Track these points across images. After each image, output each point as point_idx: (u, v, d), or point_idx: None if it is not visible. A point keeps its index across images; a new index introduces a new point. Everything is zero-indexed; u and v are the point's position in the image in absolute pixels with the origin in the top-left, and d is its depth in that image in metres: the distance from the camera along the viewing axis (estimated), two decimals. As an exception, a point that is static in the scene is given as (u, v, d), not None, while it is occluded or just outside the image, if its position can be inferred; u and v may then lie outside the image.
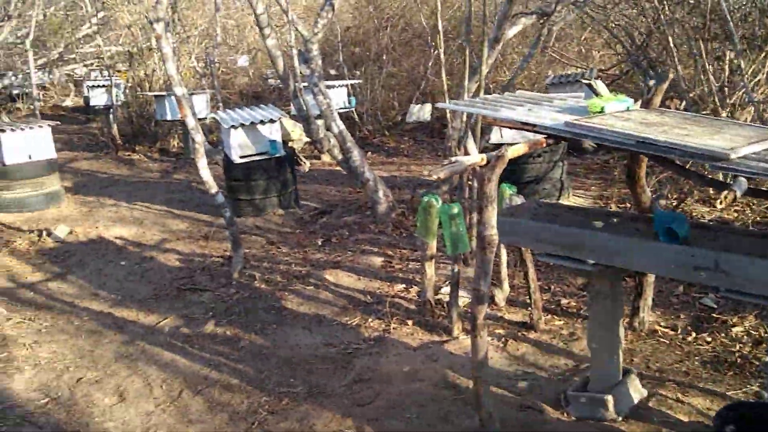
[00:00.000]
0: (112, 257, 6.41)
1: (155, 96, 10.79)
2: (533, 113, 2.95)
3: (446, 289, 4.69)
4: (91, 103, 13.58)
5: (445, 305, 4.49)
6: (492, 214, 2.83)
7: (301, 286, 5.18)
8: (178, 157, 11.15)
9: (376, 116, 10.91)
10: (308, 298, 4.96)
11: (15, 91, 18.32)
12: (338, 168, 9.68)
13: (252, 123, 6.89)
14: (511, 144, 2.93)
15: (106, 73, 15.76)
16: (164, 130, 11.87)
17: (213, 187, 5.03)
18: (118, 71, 13.97)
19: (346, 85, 9.79)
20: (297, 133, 7.47)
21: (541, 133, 2.93)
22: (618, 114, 2.84)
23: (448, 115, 5.15)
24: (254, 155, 7.08)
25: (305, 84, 6.65)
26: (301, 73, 6.53)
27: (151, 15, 4.46)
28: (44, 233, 6.90)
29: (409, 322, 4.36)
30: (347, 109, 9.84)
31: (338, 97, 9.77)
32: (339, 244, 6.21)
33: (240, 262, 5.38)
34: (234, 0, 15.00)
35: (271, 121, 6.96)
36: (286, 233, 6.79)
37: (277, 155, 7.04)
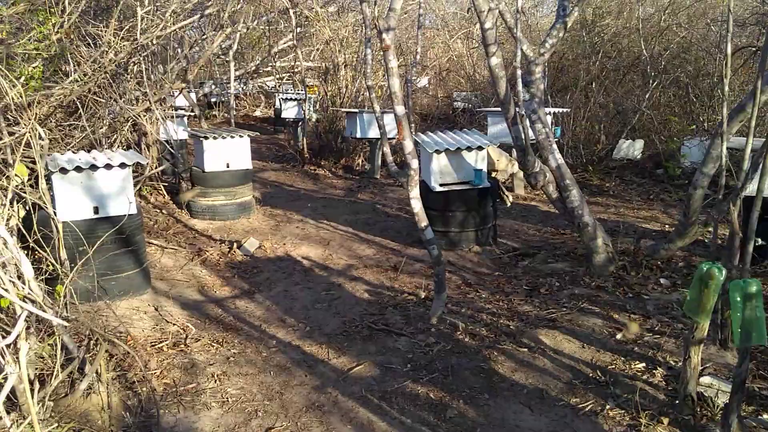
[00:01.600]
0: (299, 279, 6.05)
1: (347, 113, 10.62)
2: None
3: (706, 379, 3.70)
4: (283, 115, 13.84)
5: (709, 403, 3.51)
6: None
7: (512, 346, 4.41)
8: (361, 176, 10.89)
9: (578, 149, 9.93)
10: (523, 364, 4.18)
11: (213, 99, 19.43)
12: (534, 203, 8.86)
13: (458, 149, 6.27)
14: None
15: (296, 87, 16.15)
16: (350, 147, 11.70)
17: (423, 221, 4.43)
18: (309, 85, 14.16)
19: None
20: (503, 163, 6.78)
21: None
22: None
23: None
24: (455, 184, 6.45)
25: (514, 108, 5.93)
26: (517, 97, 5.81)
27: (381, 24, 4.00)
28: (234, 246, 6.74)
29: (664, 420, 3.43)
30: (549, 140, 8.96)
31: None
32: (549, 297, 5.37)
33: (441, 306, 4.73)
34: (434, 16, 14.68)
35: (479, 148, 6.30)
36: (483, 274, 6.07)
37: (480, 186, 6.36)
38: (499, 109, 10.11)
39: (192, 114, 16.51)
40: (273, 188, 10.02)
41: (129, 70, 7.48)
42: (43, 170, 4.80)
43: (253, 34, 18.59)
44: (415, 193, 4.41)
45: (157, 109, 7.28)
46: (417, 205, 4.40)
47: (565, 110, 9.57)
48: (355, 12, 14.12)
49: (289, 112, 13.43)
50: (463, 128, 10.36)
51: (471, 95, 14.60)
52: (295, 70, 15.71)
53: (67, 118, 7.11)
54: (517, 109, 5.58)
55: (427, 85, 16.96)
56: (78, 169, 4.67)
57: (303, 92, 12.29)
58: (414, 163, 4.35)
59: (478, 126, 11.62)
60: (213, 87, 18.67)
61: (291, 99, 13.33)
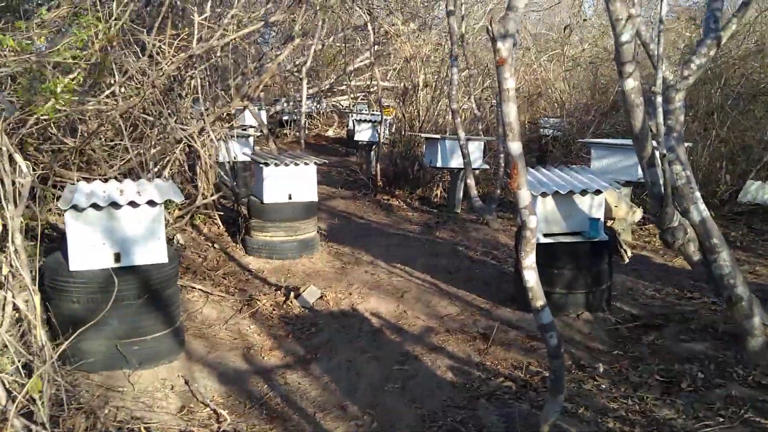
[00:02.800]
0: (366, 344, 4.92)
1: (426, 138, 9.51)
2: None
3: None
4: (356, 138, 12.88)
5: None
6: None
7: (661, 484, 3.13)
8: (440, 210, 9.72)
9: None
10: None
11: (285, 118, 18.76)
12: (645, 253, 7.46)
13: (569, 192, 5.03)
14: None
15: (371, 107, 15.20)
16: (427, 176, 10.58)
17: (539, 299, 3.23)
18: (385, 106, 13.18)
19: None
20: (623, 210, 5.53)
21: None
22: None
23: None
24: (563, 235, 5.20)
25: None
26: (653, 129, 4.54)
27: (496, 29, 2.89)
28: (291, 295, 5.68)
29: None
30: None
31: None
32: (695, 396, 4.04)
33: (556, 412, 3.49)
34: (521, 34, 13.45)
35: (596, 192, 5.04)
36: (598, 351, 4.78)
37: (596, 239, 5.08)
38: (604, 140, 8.81)
39: (260, 134, 15.83)
40: (341, 220, 8.98)
41: (184, 85, 6.62)
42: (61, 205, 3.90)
43: (329, 51, 17.89)
44: (530, 261, 3.22)
45: (213, 129, 6.36)
46: (532, 277, 3.20)
47: (687, 145, 8.08)
48: (438, 29, 13.07)
49: (363, 134, 12.44)
50: (558, 162, 9.06)
51: (562, 122, 13.26)
52: (371, 89, 14.78)
53: (114, 137, 6.29)
54: (656, 146, 4.31)
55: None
56: (95, 206, 3.70)
57: (378, 113, 11.26)
58: (532, 221, 3.17)
59: (576, 158, 10.29)
60: (285, 105, 18.01)
61: (365, 120, 12.34)
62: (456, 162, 9.10)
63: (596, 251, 5.17)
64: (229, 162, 7.54)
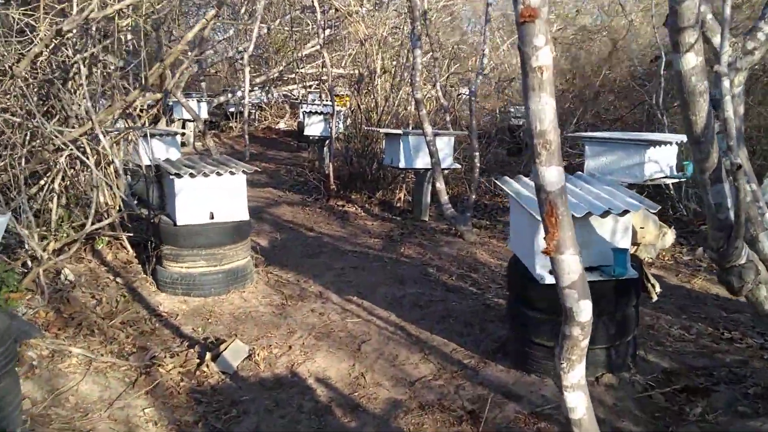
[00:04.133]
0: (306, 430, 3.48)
1: (386, 134, 8.05)
2: None
3: None
4: (306, 132, 11.36)
5: None
6: None
7: None
8: (404, 216, 8.30)
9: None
10: None
11: (231, 110, 17.13)
12: (661, 274, 6.14)
13: (588, 214, 3.62)
14: None
15: (324, 97, 13.68)
16: (389, 176, 9.14)
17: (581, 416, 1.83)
18: (338, 95, 11.68)
19: (678, 142, 6.23)
20: (651, 233, 4.17)
21: None
22: None
23: None
24: (575, 269, 3.80)
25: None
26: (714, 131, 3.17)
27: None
28: (208, 356, 4.18)
29: None
30: (678, 179, 6.25)
31: (663, 157, 6.24)
32: None
33: None
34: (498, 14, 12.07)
35: (623, 212, 3.65)
36: (630, 436, 3.43)
37: (622, 276, 3.70)
38: (600, 134, 7.48)
39: (194, 131, 14.11)
40: (286, 233, 7.49)
41: (70, 75, 5.02)
42: None
43: (278, 36, 16.27)
44: (577, 376, 1.82)
45: (103, 130, 4.79)
46: (581, 405, 1.81)
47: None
48: (396, 5, 11.56)
49: (314, 128, 10.92)
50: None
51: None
52: (322, 77, 13.28)
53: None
54: (733, 156, 2.94)
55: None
56: None
57: (331, 104, 9.76)
58: (583, 311, 1.78)
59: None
60: (231, 96, 16.37)
61: (316, 112, 10.82)
62: (422, 162, 7.69)
63: (621, 292, 3.80)
64: (142, 168, 5.97)
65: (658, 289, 4.16)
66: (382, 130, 8.07)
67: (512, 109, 12.47)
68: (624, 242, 3.74)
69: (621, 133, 6.96)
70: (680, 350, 4.41)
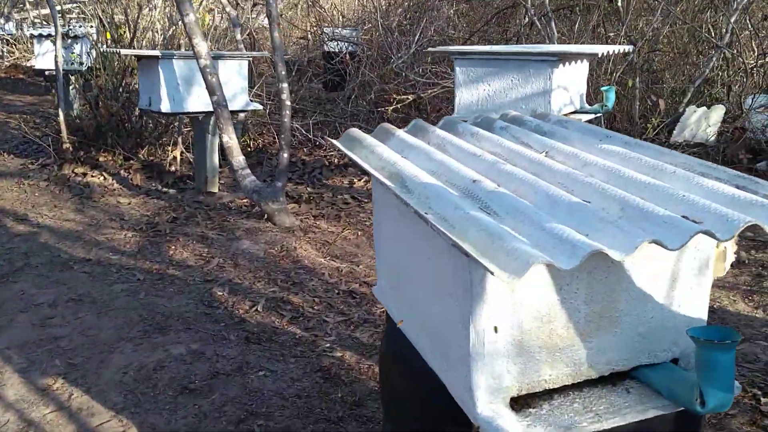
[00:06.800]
0: None
1: (138, 59, 5.02)
2: None
3: None
4: (38, 66, 7.95)
5: None
6: None
7: None
8: (180, 188, 5.47)
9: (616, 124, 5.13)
10: None
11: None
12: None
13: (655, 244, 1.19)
14: None
15: (64, 18, 10.04)
16: (159, 127, 6.17)
17: None
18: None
19: (594, 53, 4.04)
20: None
21: None
22: None
23: None
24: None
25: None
26: None
27: None
28: None
29: None
30: (595, 113, 4.10)
31: (571, 81, 4.05)
32: None
33: None
34: None
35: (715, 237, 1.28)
36: None
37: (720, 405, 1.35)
38: (480, 48, 5.00)
39: None
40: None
41: None
42: None
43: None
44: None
45: None
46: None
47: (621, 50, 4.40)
48: None
49: (47, 58, 7.54)
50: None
51: (353, 32, 9.38)
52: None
53: None
54: None
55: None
56: None
57: (64, 24, 6.42)
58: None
59: (404, 81, 6.52)
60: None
61: (45, 36, 7.42)
62: (200, 102, 4.87)
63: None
64: None
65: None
66: (127, 51, 5.03)
67: (327, 31, 9.78)
68: (699, 306, 1.36)
69: (511, 46, 4.62)
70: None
